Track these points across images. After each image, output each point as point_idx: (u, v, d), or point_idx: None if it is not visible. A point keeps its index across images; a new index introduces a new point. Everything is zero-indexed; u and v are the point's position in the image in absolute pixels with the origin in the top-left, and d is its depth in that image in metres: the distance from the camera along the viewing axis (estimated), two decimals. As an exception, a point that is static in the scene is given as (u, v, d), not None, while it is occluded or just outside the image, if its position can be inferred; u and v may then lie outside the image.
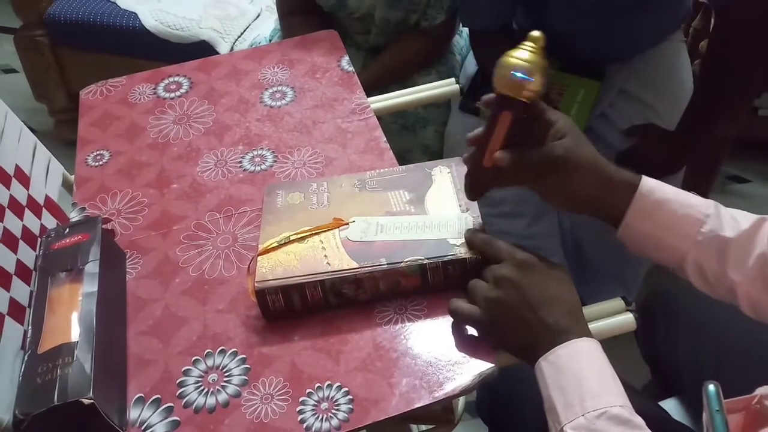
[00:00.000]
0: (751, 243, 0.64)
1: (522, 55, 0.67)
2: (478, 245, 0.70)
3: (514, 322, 0.64)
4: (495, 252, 0.68)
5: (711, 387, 0.51)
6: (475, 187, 0.73)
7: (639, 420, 0.56)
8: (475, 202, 0.76)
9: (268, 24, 1.73)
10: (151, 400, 0.66)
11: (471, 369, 0.66)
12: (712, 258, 0.65)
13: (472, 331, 0.68)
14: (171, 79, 1.07)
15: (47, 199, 0.85)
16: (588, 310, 0.70)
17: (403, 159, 0.90)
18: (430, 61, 1.44)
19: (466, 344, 0.68)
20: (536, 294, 0.63)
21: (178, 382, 0.67)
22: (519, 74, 0.66)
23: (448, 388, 0.64)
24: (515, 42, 1.25)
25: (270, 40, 1.55)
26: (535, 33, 0.68)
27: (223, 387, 0.66)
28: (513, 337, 0.65)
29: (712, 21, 1.21)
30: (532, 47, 0.67)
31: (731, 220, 0.65)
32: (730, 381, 0.60)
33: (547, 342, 0.61)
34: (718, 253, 0.65)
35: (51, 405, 0.58)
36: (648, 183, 0.67)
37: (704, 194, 0.68)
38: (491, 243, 0.69)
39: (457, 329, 0.69)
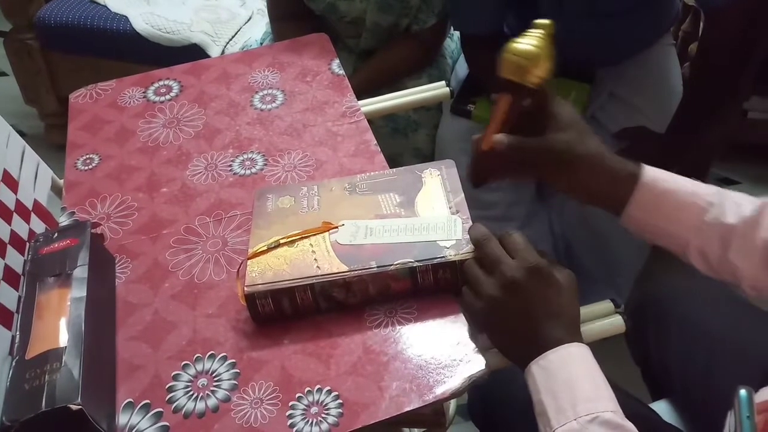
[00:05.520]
0: (755, 229, 0.64)
1: (530, 41, 0.67)
2: (487, 236, 0.68)
3: (510, 327, 0.64)
4: (511, 246, 0.66)
5: (743, 392, 0.50)
6: (475, 173, 0.72)
7: (630, 426, 0.56)
8: (466, 205, 0.76)
9: (259, 27, 1.73)
10: (140, 405, 0.66)
11: (461, 372, 0.66)
12: (715, 244, 0.65)
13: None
14: (161, 83, 1.07)
15: (36, 203, 0.85)
16: (577, 313, 0.70)
17: (394, 162, 0.90)
18: (421, 64, 1.44)
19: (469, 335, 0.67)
20: (540, 307, 0.62)
21: (167, 387, 0.67)
22: (524, 59, 0.66)
23: (438, 391, 0.64)
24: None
25: (261, 44, 1.55)
26: (544, 21, 0.68)
27: (213, 392, 0.66)
28: (506, 340, 0.65)
29: (702, 24, 1.22)
30: (540, 34, 0.67)
31: (735, 206, 0.65)
32: (720, 383, 0.60)
33: (540, 348, 0.61)
34: (721, 239, 0.65)
35: (39, 411, 0.57)
36: (650, 173, 0.67)
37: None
38: (508, 234, 0.67)
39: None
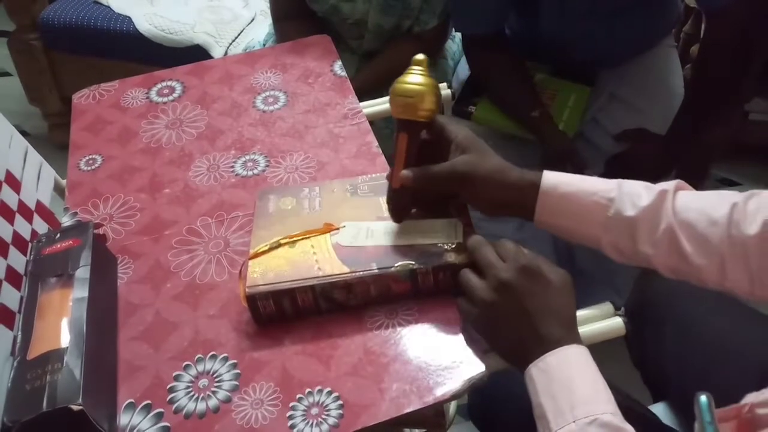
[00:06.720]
0: (656, 217, 0.67)
1: (412, 79, 0.72)
2: (482, 243, 0.69)
3: (506, 328, 0.64)
4: (502, 250, 0.67)
5: (703, 398, 0.50)
6: (394, 210, 0.75)
7: (629, 428, 0.56)
8: (467, 206, 0.77)
9: (262, 28, 1.73)
10: (141, 405, 0.66)
11: (461, 374, 0.66)
12: (624, 237, 0.68)
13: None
14: (164, 84, 1.07)
15: (38, 204, 0.85)
16: (577, 315, 0.70)
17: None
18: (423, 65, 1.44)
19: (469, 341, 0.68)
20: (533, 305, 0.63)
21: (168, 387, 0.67)
22: (410, 98, 0.71)
23: (438, 393, 0.65)
24: (508, 46, 1.25)
25: (264, 45, 1.55)
26: (419, 56, 0.74)
27: (214, 392, 0.66)
28: (504, 342, 0.65)
29: (703, 26, 1.22)
30: (420, 70, 0.73)
31: (634, 197, 0.68)
32: (717, 385, 0.60)
33: (538, 350, 0.61)
34: (628, 232, 0.67)
35: (40, 412, 0.58)
36: (549, 179, 0.70)
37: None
38: (500, 242, 0.69)
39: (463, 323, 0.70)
